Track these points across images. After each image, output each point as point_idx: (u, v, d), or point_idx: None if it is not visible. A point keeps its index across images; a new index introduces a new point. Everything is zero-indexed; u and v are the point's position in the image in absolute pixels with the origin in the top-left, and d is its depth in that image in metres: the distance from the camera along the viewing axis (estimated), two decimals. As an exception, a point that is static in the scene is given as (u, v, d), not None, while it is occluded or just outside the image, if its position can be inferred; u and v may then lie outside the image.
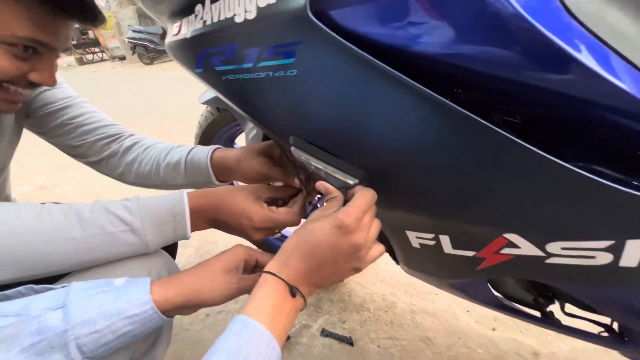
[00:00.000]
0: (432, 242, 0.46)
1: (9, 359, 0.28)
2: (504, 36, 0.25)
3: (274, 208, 0.47)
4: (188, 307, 0.38)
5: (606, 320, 0.52)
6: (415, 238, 0.48)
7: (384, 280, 1.10)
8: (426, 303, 0.99)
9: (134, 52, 8.68)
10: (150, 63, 8.79)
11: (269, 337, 0.31)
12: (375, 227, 0.39)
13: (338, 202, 0.40)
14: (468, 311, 0.96)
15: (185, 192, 0.45)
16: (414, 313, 0.97)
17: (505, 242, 0.38)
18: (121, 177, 0.68)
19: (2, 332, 0.29)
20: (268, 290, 0.33)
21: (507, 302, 0.57)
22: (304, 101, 0.37)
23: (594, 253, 0.33)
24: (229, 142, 0.94)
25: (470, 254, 0.43)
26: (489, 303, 0.57)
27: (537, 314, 0.57)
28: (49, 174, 2.22)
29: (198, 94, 0.88)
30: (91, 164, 0.68)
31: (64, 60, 13.12)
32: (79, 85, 6.45)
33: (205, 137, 0.90)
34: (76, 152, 0.66)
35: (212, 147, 0.62)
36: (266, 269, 0.35)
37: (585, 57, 0.24)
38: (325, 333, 0.92)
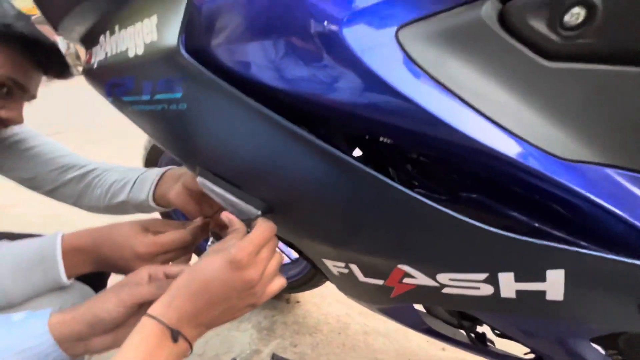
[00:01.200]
0: (346, 271, 0.46)
1: None
2: (351, 82, 0.26)
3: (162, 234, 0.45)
4: (88, 333, 0.35)
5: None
6: (333, 266, 0.48)
7: (340, 300, 1.08)
8: (379, 323, 0.98)
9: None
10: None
11: None
12: (275, 261, 0.38)
13: (239, 234, 0.39)
14: (420, 331, 0.96)
15: (60, 232, 0.42)
16: (367, 334, 0.96)
17: (403, 272, 0.38)
18: (76, 204, 0.67)
19: None
20: (142, 337, 0.31)
21: (435, 327, 0.57)
22: (199, 135, 0.37)
23: (477, 284, 0.33)
24: (177, 164, 0.93)
25: (380, 282, 0.43)
26: (416, 328, 0.57)
27: (466, 339, 0.57)
28: (4, 192, 2.12)
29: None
30: (47, 193, 0.67)
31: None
32: (52, 99, 6.29)
33: (151, 159, 0.88)
34: (30, 184, 0.66)
35: (169, 167, 0.61)
36: (149, 310, 0.33)
37: (426, 101, 0.25)
38: (275, 358, 0.90)
